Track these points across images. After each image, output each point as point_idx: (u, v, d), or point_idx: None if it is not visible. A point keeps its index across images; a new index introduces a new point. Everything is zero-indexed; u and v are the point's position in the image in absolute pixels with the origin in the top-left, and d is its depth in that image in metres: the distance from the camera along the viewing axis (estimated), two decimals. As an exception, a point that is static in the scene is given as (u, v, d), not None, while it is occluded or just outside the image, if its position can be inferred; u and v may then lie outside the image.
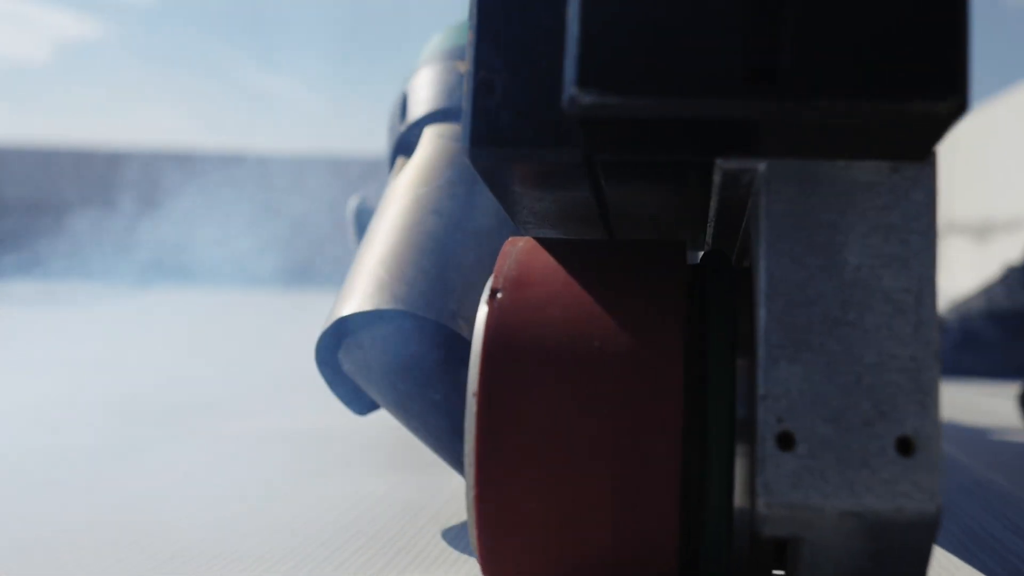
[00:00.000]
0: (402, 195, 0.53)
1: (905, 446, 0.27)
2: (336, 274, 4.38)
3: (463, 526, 0.45)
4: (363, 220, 0.81)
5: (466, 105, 0.30)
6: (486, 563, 0.29)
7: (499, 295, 0.31)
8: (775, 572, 0.31)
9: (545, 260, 0.32)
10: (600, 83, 0.26)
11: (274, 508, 0.48)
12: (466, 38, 0.64)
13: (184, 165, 4.71)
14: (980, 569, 0.40)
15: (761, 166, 0.29)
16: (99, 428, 0.71)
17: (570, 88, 0.26)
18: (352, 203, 0.82)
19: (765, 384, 0.28)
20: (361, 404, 0.50)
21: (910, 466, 0.27)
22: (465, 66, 0.62)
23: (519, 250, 0.32)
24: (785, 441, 0.28)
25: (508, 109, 0.30)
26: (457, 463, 0.45)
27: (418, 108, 0.61)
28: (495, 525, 0.29)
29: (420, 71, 0.63)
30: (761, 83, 0.25)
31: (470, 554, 0.41)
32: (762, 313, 0.28)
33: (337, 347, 0.48)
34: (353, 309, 0.45)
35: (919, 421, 0.28)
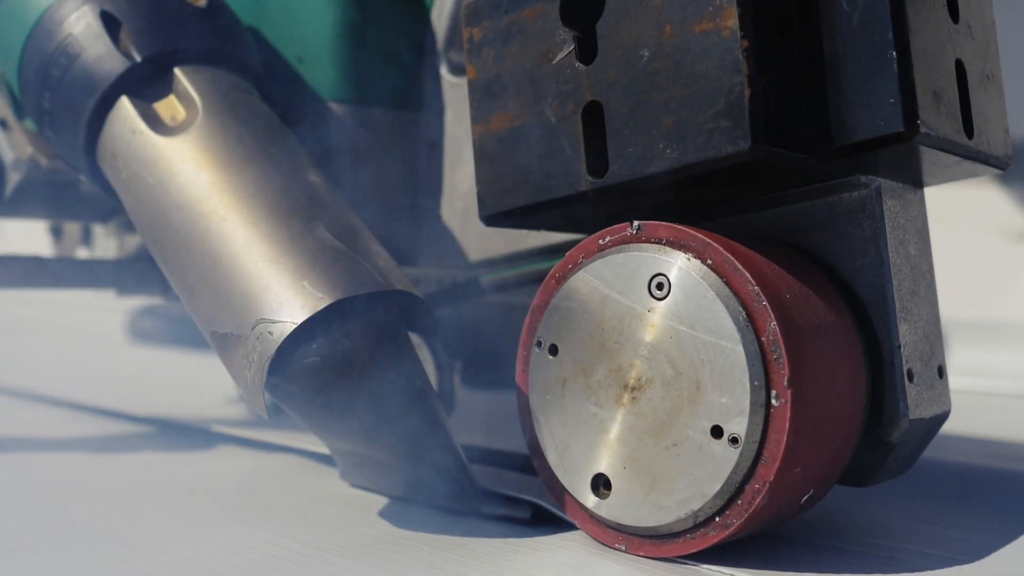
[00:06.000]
0: (241, 154, 0.46)
1: (941, 372, 0.42)
2: None
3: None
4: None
5: (750, 106, 0.35)
6: (793, 449, 0.35)
7: (756, 287, 0.36)
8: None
9: (743, 250, 0.38)
10: (916, 120, 0.35)
11: None
12: None
13: None
14: None
15: (875, 183, 0.40)
16: None
17: (908, 119, 0.34)
18: None
19: (899, 337, 0.40)
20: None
21: (942, 385, 0.43)
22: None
23: (720, 242, 0.37)
24: (911, 376, 0.40)
25: (783, 117, 0.36)
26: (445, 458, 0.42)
27: (151, 45, 0.51)
28: (800, 428, 0.36)
29: None
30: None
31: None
32: (890, 286, 0.40)
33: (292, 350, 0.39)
34: (344, 294, 0.39)
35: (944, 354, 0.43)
